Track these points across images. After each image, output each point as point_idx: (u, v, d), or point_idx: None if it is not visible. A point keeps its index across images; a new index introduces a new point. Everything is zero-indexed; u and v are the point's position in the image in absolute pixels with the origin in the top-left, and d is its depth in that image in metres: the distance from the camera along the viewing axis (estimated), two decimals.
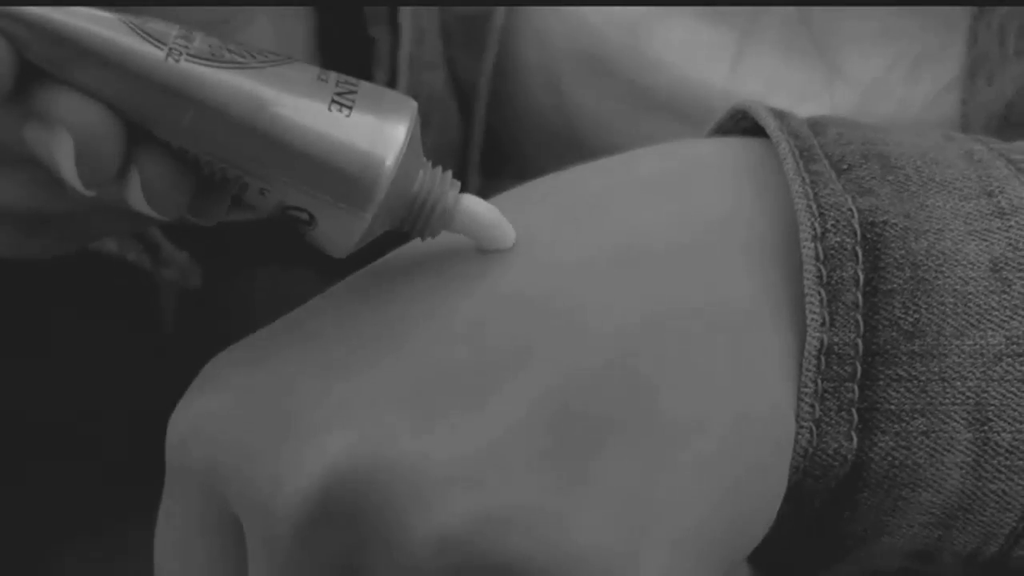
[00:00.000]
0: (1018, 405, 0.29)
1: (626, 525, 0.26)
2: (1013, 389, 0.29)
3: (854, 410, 0.28)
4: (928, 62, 0.41)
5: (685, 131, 0.42)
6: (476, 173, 0.50)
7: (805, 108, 0.36)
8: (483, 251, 0.29)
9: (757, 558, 0.30)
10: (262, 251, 0.65)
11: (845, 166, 0.30)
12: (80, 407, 0.76)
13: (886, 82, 0.42)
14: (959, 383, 0.29)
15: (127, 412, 0.74)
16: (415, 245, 0.30)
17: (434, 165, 0.29)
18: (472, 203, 0.29)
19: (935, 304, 0.29)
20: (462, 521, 0.26)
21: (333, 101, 0.28)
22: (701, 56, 0.44)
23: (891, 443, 0.29)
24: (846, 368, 0.28)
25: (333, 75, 0.29)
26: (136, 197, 0.29)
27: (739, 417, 0.28)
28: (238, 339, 0.30)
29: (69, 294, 0.72)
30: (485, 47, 0.47)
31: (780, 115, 0.31)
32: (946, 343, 0.29)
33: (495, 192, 0.52)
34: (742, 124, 0.33)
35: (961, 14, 0.40)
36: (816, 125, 0.31)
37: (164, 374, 0.71)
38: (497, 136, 0.50)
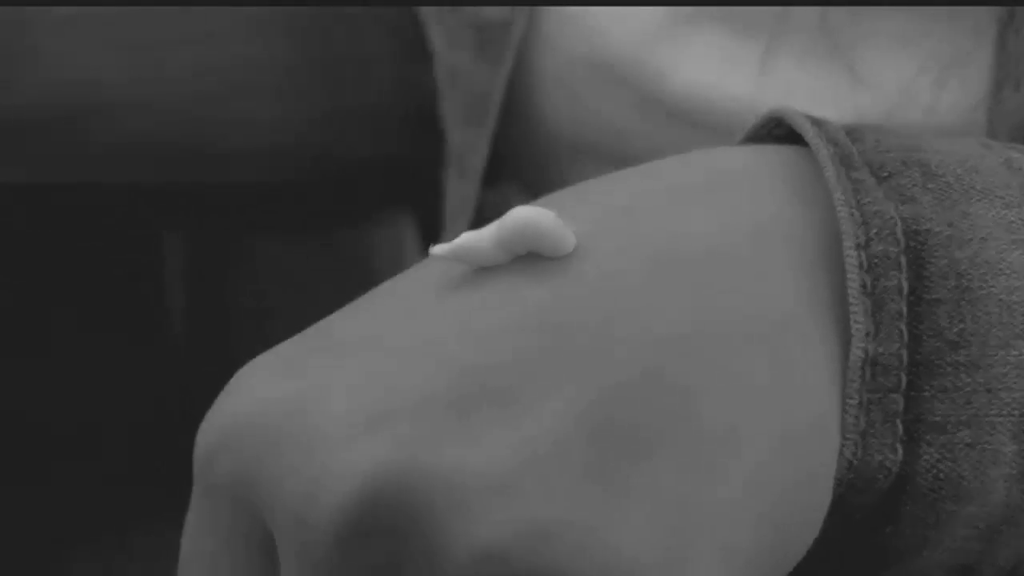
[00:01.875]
0: None
1: (671, 538, 0.26)
2: None
3: (899, 422, 0.28)
4: (955, 68, 0.40)
5: (707, 141, 0.42)
6: (477, 181, 0.50)
7: (828, 116, 0.35)
8: (535, 258, 0.28)
9: (796, 574, 0.30)
10: (256, 220, 0.64)
11: (885, 174, 0.29)
12: (80, 407, 0.75)
13: (912, 90, 0.41)
14: (1005, 394, 0.28)
15: (127, 413, 0.74)
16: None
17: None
18: (528, 212, 0.28)
19: (980, 314, 0.28)
20: (504, 532, 0.25)
21: None
22: (725, 66, 0.43)
23: (936, 455, 0.28)
24: (891, 379, 0.28)
25: None
26: None
27: (784, 427, 0.27)
28: (247, 336, 0.30)
29: (72, 294, 0.72)
30: (503, 56, 0.47)
31: (817, 122, 0.31)
32: (992, 354, 0.28)
33: (493, 200, 0.52)
34: (775, 132, 0.32)
35: (989, 20, 0.40)
36: (853, 132, 0.31)
37: (166, 375, 0.71)
38: (496, 143, 0.50)
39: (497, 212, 0.30)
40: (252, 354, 0.29)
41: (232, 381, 0.29)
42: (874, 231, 0.28)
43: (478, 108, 0.49)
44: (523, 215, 0.28)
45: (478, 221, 0.50)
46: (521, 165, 0.50)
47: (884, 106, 0.41)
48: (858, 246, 0.28)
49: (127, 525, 0.72)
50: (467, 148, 0.50)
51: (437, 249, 0.29)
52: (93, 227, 0.67)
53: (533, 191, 0.50)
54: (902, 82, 0.41)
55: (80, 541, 0.72)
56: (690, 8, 0.43)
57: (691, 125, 0.44)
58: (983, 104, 0.40)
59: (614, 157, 0.45)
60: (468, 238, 0.29)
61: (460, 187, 0.51)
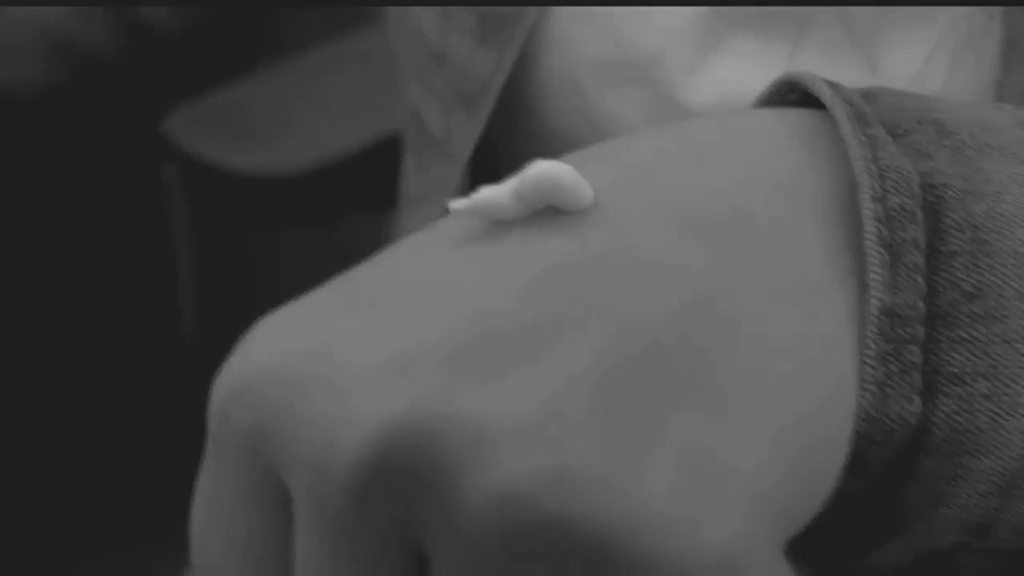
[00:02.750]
0: None
1: (694, 488, 0.26)
2: None
3: (916, 373, 0.28)
4: (966, 49, 0.41)
5: None
6: (461, 172, 0.49)
7: None
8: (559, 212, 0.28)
9: (812, 539, 0.30)
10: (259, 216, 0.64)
11: (901, 131, 0.30)
12: (80, 407, 0.75)
13: (926, 73, 0.41)
14: (1021, 345, 0.28)
15: (132, 413, 0.74)
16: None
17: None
18: (548, 165, 0.28)
19: (996, 266, 0.28)
20: (523, 478, 0.25)
21: None
22: (753, 66, 0.43)
23: (953, 406, 0.28)
24: (908, 330, 0.28)
25: None
26: None
27: (804, 382, 0.27)
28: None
29: (76, 294, 0.72)
30: (508, 46, 0.46)
31: (832, 84, 0.31)
32: (1008, 305, 0.28)
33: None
34: (789, 97, 0.32)
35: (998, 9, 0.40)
36: (868, 94, 0.31)
37: (168, 375, 0.71)
38: (491, 138, 0.49)
39: None
40: None
41: (250, 333, 0.28)
42: (890, 184, 0.28)
43: (471, 93, 0.48)
44: (542, 168, 0.28)
45: None
46: (519, 161, 0.50)
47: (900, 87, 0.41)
48: (874, 199, 0.28)
49: (128, 525, 0.72)
50: (453, 133, 0.49)
51: (456, 204, 0.29)
52: None
53: None
54: (916, 65, 0.41)
55: (81, 541, 0.71)
56: (718, 10, 0.43)
57: None
58: (994, 83, 0.40)
59: None
60: (487, 192, 0.29)
61: (441, 170, 0.51)
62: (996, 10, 0.40)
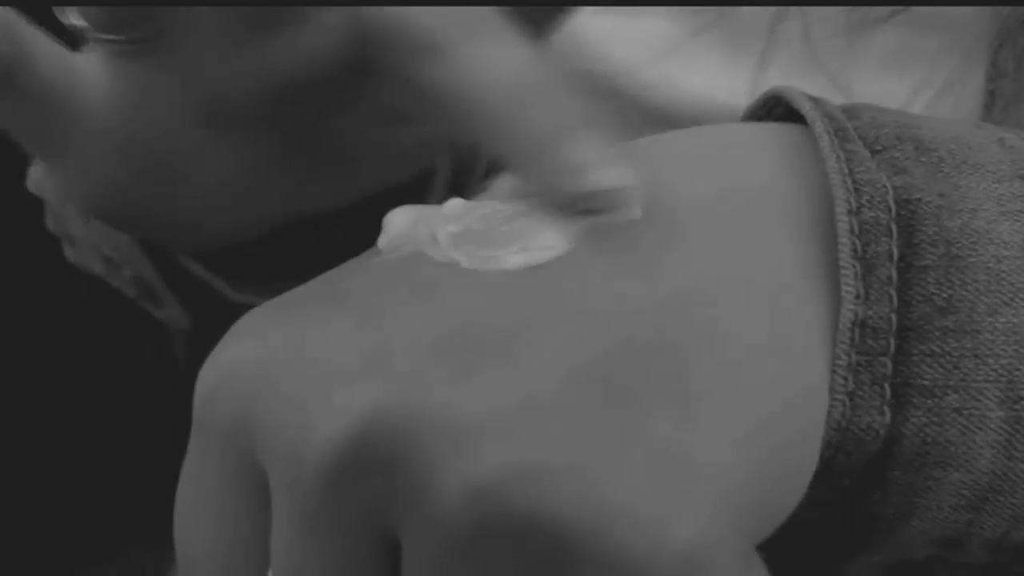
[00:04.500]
0: None
1: (662, 486, 0.26)
2: None
3: (887, 384, 0.28)
4: (949, 92, 0.41)
5: None
6: (444, 186, 0.50)
7: None
8: None
9: (783, 549, 0.30)
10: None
11: (879, 147, 0.30)
12: (80, 407, 0.76)
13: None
14: (992, 360, 0.29)
15: (127, 413, 0.74)
16: None
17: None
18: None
19: (969, 281, 0.29)
20: (494, 472, 0.25)
21: None
22: (722, 79, 0.44)
23: (924, 419, 0.29)
24: (880, 342, 0.28)
25: None
26: None
27: (776, 387, 0.27)
28: None
29: (75, 295, 0.72)
30: None
31: (814, 99, 0.31)
32: (979, 320, 0.29)
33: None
34: (775, 112, 0.33)
35: (981, 43, 0.40)
36: (850, 110, 0.31)
37: (168, 375, 0.71)
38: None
39: None
40: None
41: (234, 326, 0.29)
42: (865, 198, 0.29)
43: None
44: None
45: None
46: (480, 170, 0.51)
47: None
48: (849, 212, 0.29)
49: (128, 525, 0.72)
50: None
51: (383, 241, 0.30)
52: None
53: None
54: (896, 104, 0.41)
55: (80, 541, 0.72)
56: (689, 23, 0.44)
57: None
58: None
59: None
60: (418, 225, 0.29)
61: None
62: (978, 57, 0.40)
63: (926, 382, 0.28)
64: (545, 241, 0.28)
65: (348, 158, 0.35)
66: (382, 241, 0.29)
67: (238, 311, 0.30)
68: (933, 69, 0.41)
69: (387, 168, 0.35)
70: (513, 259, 0.28)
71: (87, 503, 0.76)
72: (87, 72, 0.32)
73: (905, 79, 0.41)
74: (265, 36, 0.31)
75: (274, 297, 0.29)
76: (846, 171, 0.29)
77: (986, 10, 0.41)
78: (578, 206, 0.29)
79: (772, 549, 0.29)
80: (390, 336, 0.27)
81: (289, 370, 0.27)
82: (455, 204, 0.29)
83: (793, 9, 0.42)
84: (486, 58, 0.30)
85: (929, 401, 0.28)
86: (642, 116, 0.45)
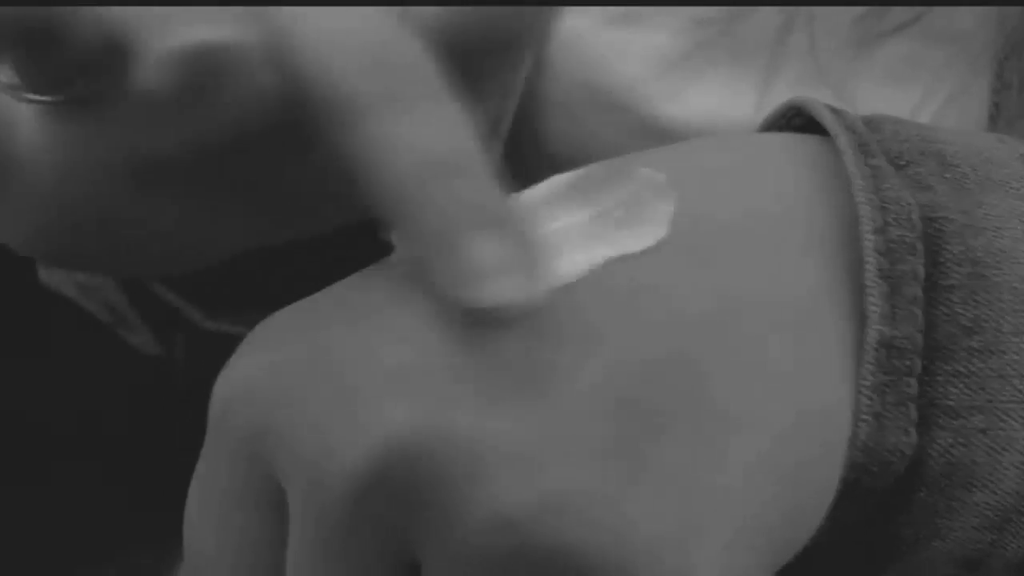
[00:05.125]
0: None
1: (683, 515, 0.26)
2: None
3: (912, 405, 0.28)
4: (954, 103, 0.41)
5: None
6: None
7: None
8: None
9: (807, 569, 0.30)
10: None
11: (903, 162, 0.30)
12: (80, 407, 0.75)
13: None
14: (1017, 381, 0.28)
15: (128, 413, 0.74)
16: None
17: None
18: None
19: (994, 301, 0.28)
20: (520, 503, 0.25)
21: None
22: (727, 93, 0.44)
23: (949, 440, 0.28)
24: (905, 362, 0.28)
25: None
26: None
27: (798, 412, 0.27)
28: None
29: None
30: (513, 87, 0.47)
31: (836, 111, 0.31)
32: (1005, 340, 0.28)
33: None
34: (794, 122, 0.33)
35: (986, 54, 0.40)
36: (871, 122, 0.31)
37: (167, 374, 0.71)
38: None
39: None
40: None
41: (252, 333, 0.28)
42: (891, 216, 0.28)
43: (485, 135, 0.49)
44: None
45: None
46: (521, 184, 0.51)
47: None
48: (876, 230, 0.28)
49: (128, 525, 0.72)
50: None
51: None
52: None
53: None
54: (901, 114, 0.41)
55: (80, 541, 0.72)
56: (693, 38, 0.44)
57: None
58: None
59: None
60: None
61: None
62: (983, 67, 0.40)
63: (952, 403, 0.28)
64: (568, 262, 0.28)
65: (293, 201, 0.34)
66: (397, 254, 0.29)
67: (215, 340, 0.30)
68: (937, 81, 0.41)
69: (340, 207, 0.34)
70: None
71: (87, 503, 0.75)
72: (23, 126, 0.31)
73: (909, 91, 0.41)
74: (196, 95, 0.30)
75: (247, 326, 0.29)
76: (871, 188, 0.29)
77: (992, 22, 0.41)
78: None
79: (796, 569, 0.29)
80: (417, 354, 0.27)
81: (311, 385, 0.27)
82: None
83: (799, 21, 0.42)
84: (399, 131, 0.27)
85: (955, 422, 0.28)
86: (646, 131, 0.45)
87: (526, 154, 0.49)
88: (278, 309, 0.29)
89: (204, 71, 0.30)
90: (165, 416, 0.72)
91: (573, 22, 0.46)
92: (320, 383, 0.27)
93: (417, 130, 0.27)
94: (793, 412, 0.27)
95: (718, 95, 0.44)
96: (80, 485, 0.74)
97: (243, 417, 0.27)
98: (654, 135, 0.45)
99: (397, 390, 0.26)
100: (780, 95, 0.43)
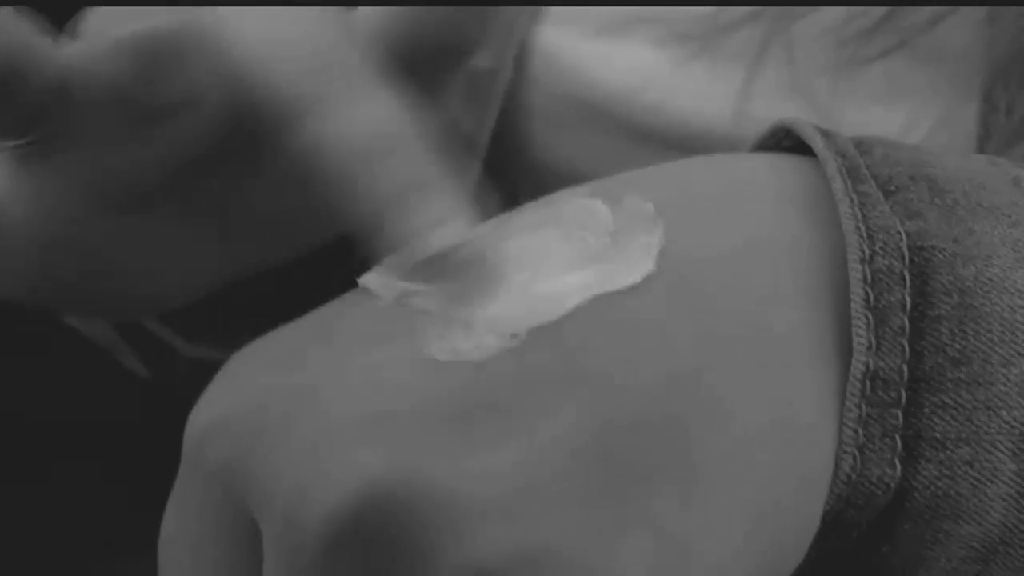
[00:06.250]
0: None
1: (662, 569, 0.26)
2: None
3: (898, 437, 0.28)
4: (943, 126, 0.41)
5: None
6: None
7: None
8: None
9: None
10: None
11: (893, 188, 0.29)
12: (80, 407, 0.75)
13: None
14: (1005, 413, 0.28)
15: (127, 413, 0.74)
16: None
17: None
18: None
19: (982, 331, 0.28)
20: (496, 555, 0.25)
21: None
22: (708, 100, 0.44)
23: (935, 472, 0.28)
24: (891, 394, 0.28)
25: None
26: None
27: (781, 457, 0.27)
28: (249, 339, 0.29)
29: None
30: (489, 102, 0.47)
31: (826, 133, 0.30)
32: (993, 371, 0.28)
33: None
34: (784, 143, 0.32)
35: (975, 76, 0.40)
36: (862, 144, 0.30)
37: (167, 375, 0.71)
38: (483, 174, 0.50)
39: None
40: None
41: (227, 364, 0.28)
42: (879, 245, 0.28)
43: (462, 149, 0.49)
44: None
45: None
46: (510, 195, 0.51)
47: None
48: (862, 260, 0.28)
49: (128, 525, 0.72)
50: None
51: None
52: None
53: None
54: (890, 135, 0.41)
55: (80, 541, 0.72)
56: (676, 51, 0.44)
57: (684, 153, 0.44)
58: None
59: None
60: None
61: None
62: (973, 91, 0.40)
63: (937, 435, 0.28)
64: (550, 299, 0.28)
65: (267, 222, 0.34)
66: (371, 280, 0.29)
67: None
68: (925, 103, 0.41)
69: (315, 228, 0.35)
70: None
71: (87, 503, 0.75)
72: None
73: (896, 111, 0.41)
74: (150, 124, 0.32)
75: (229, 352, 0.29)
76: (859, 216, 0.28)
77: (979, 43, 0.40)
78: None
79: None
80: (394, 398, 0.26)
81: (285, 423, 0.26)
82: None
83: (780, 37, 0.42)
84: (340, 117, 0.30)
85: (940, 454, 0.28)
86: (630, 141, 0.45)
87: (510, 164, 0.48)
88: (258, 335, 0.29)
89: (157, 53, 0.31)
90: (165, 416, 0.72)
91: (557, 34, 0.46)
92: (299, 423, 0.26)
93: (364, 109, 0.30)
94: (776, 459, 0.27)
95: (700, 107, 0.44)
96: (80, 485, 0.74)
97: (219, 451, 0.27)
98: (636, 145, 0.45)
99: (374, 434, 0.26)
100: (759, 107, 0.42)
